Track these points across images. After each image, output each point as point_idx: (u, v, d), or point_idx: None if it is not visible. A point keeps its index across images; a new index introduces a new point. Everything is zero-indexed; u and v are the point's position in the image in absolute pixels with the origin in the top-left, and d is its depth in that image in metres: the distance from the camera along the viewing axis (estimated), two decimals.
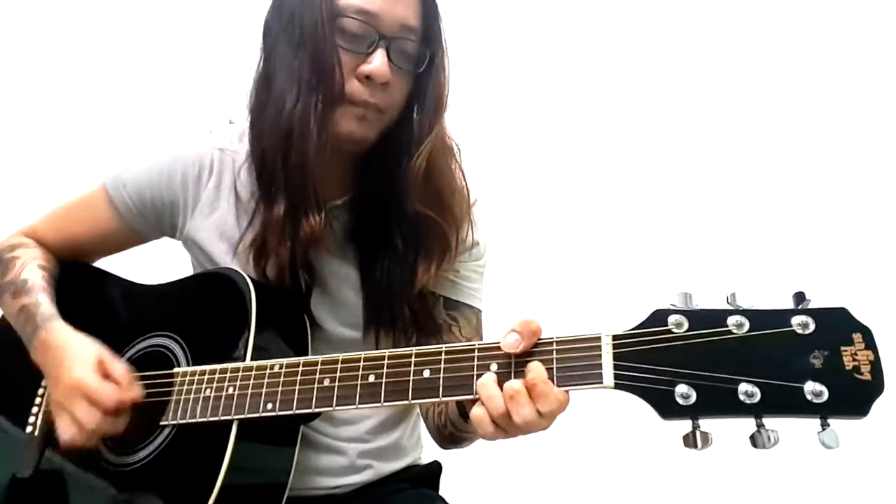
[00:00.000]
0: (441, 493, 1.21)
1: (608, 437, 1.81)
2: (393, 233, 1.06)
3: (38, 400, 1.09)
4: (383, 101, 1.01)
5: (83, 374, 0.96)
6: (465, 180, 1.10)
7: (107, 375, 0.97)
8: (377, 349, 0.95)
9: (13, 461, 1.06)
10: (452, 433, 1.02)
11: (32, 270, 1.12)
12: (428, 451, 1.24)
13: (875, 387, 0.69)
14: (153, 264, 1.19)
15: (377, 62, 0.98)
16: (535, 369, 0.78)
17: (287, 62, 1.00)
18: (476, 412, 0.81)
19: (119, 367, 0.98)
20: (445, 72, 1.05)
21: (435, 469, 1.23)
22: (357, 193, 1.09)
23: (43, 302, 1.07)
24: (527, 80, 2.04)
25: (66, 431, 0.96)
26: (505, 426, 0.80)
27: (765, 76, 1.95)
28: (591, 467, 1.86)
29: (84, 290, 1.11)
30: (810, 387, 0.70)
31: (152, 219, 1.15)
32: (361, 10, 0.98)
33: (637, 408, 0.75)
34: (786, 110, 1.94)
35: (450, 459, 1.20)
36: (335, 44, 0.98)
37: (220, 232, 1.10)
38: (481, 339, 1.09)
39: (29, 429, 1.08)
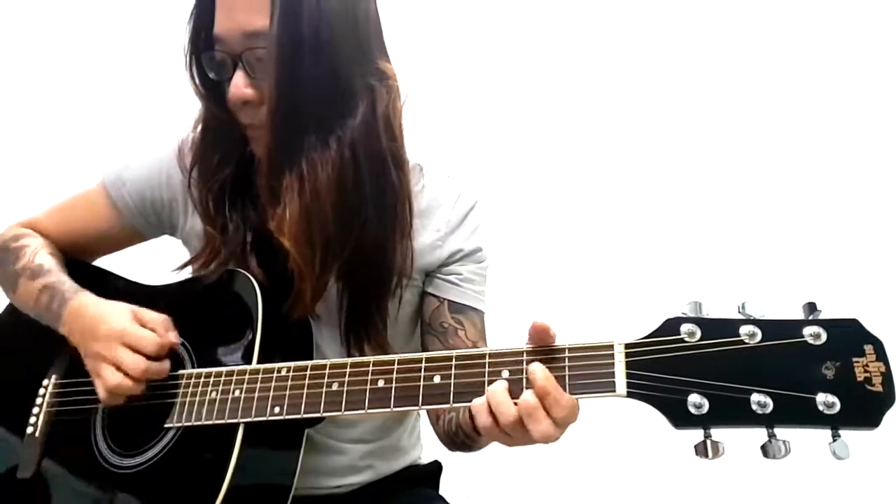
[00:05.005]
0: (441, 492, 1.21)
1: (614, 444, 1.80)
2: None
3: (38, 400, 1.08)
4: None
5: (121, 323, 0.96)
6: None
7: (143, 324, 0.98)
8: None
9: (14, 462, 1.05)
10: (464, 441, 1.02)
11: (44, 256, 1.12)
12: (428, 450, 1.24)
13: (886, 398, 0.69)
14: (154, 264, 1.18)
15: (232, 86, 0.94)
16: (542, 376, 0.77)
17: None
18: (484, 421, 0.80)
19: (154, 314, 0.99)
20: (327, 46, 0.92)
21: (435, 469, 1.24)
22: None
23: (66, 280, 1.07)
24: (538, 84, 2.02)
25: (111, 379, 0.95)
26: (512, 433, 0.80)
27: (778, 88, 1.94)
28: (594, 470, 1.86)
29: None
30: (822, 398, 0.70)
31: (152, 218, 1.15)
32: (215, 39, 0.95)
33: (648, 416, 0.75)
34: (797, 120, 1.92)
35: (450, 459, 1.20)
36: (211, 80, 0.98)
37: None
38: (485, 340, 1.09)
39: (30, 430, 1.06)
